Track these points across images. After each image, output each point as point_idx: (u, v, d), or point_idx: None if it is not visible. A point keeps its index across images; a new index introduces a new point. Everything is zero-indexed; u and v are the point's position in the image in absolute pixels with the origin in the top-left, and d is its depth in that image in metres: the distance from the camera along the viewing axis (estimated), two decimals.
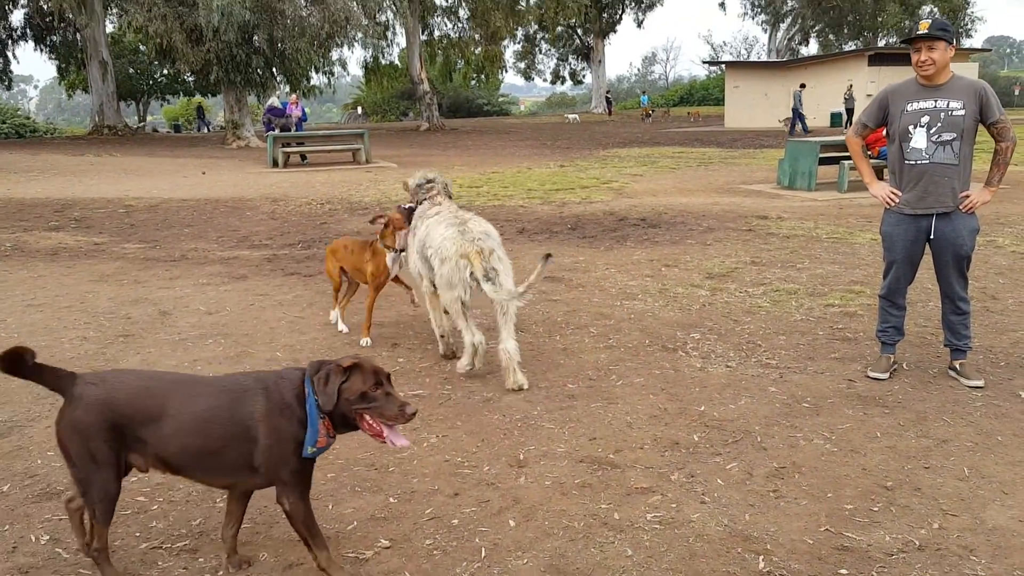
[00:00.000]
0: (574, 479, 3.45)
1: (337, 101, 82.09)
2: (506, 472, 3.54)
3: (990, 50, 72.04)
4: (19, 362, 2.57)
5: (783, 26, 62.68)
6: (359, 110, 62.79)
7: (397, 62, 44.54)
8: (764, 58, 65.28)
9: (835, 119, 33.86)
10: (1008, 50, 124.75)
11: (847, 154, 13.71)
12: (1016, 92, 60.52)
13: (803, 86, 30.70)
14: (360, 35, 29.82)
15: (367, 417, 2.60)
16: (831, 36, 62.99)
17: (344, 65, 48.18)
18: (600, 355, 5.11)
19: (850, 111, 31.41)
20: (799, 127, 29.57)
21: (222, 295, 6.91)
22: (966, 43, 58.72)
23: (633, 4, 54.05)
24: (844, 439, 3.82)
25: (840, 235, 9.10)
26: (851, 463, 3.57)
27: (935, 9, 60.09)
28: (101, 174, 18.48)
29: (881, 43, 56.12)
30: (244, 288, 7.17)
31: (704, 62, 69.58)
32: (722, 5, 64.94)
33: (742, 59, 66.77)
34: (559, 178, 16.11)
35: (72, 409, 2.58)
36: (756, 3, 60.36)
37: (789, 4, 60.49)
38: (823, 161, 13.63)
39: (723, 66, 49.47)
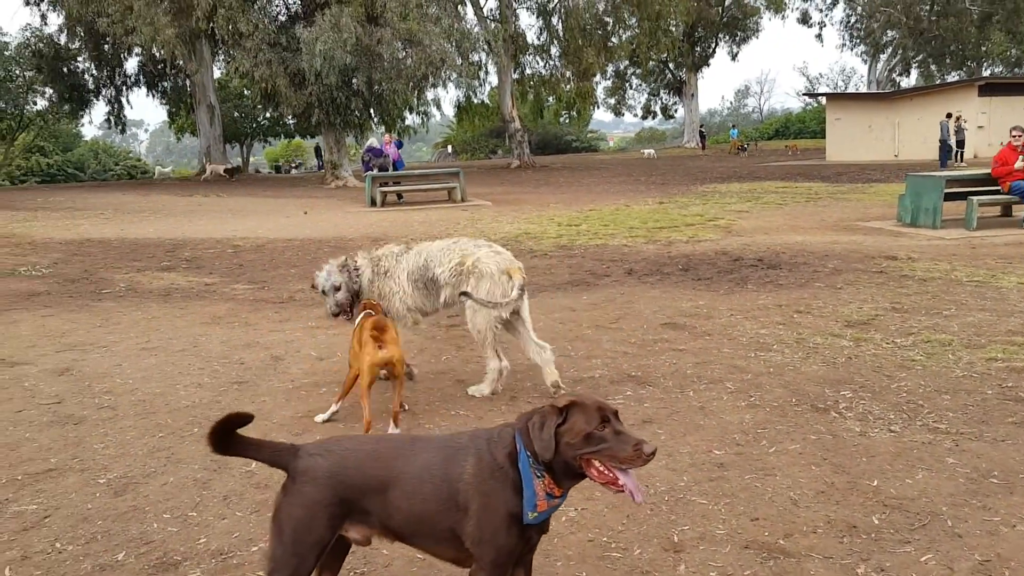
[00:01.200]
0: (743, 570, 3.01)
1: (428, 140, 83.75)
2: (661, 558, 3.13)
3: None
4: (230, 436, 2.40)
5: (883, 57, 60.87)
6: (449, 148, 63.76)
7: (487, 101, 45.02)
8: (862, 89, 63.40)
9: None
10: None
11: (975, 189, 12.86)
12: None
13: (950, 116, 29.30)
14: (454, 75, 30.14)
15: (596, 463, 2.26)
16: (933, 66, 60.79)
17: (438, 105, 49.05)
18: (744, 415, 4.65)
19: (960, 143, 29.91)
20: (953, 156, 28.39)
21: (332, 340, 6.74)
22: None
23: (727, 37, 53.33)
24: None
25: (982, 278, 8.36)
26: None
27: None
28: (209, 214, 18.99)
29: (986, 73, 53.73)
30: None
31: (803, 94, 67.82)
32: (819, 36, 64.03)
33: (840, 91, 64.93)
34: (660, 215, 15.66)
35: (300, 484, 2.37)
36: (855, 34, 58.78)
37: (889, 35, 58.72)
38: (948, 197, 12.79)
39: (823, 98, 48.13)
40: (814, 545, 3.17)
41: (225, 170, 34.78)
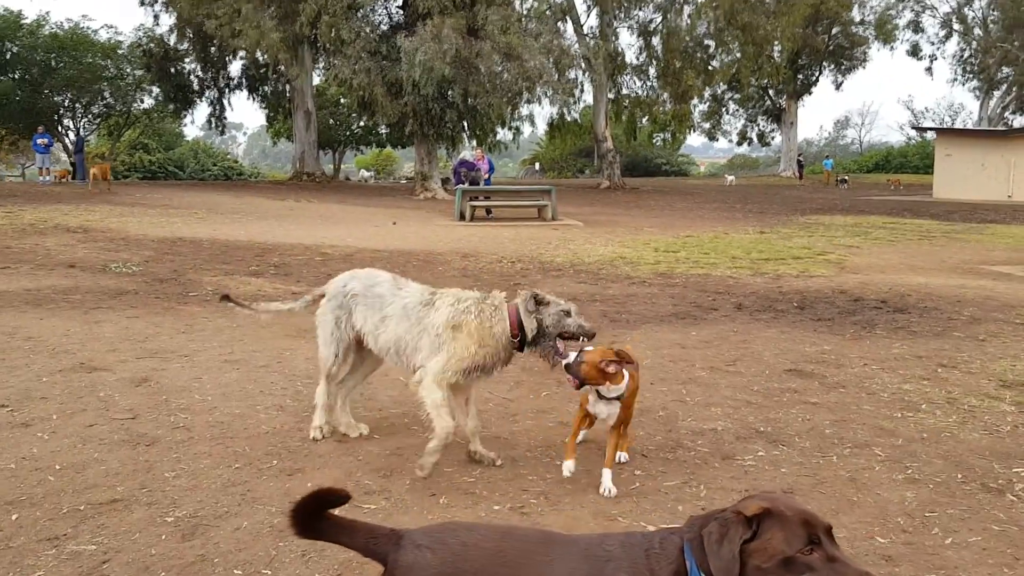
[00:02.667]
0: None
1: (515, 156, 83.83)
2: None
3: None
4: (317, 517, 1.91)
5: (996, 94, 57.93)
6: (536, 166, 63.51)
7: (579, 119, 44.52)
8: (970, 126, 60.43)
9: None
10: None
11: None
12: None
13: None
14: (550, 91, 29.76)
15: None
16: None
17: (532, 121, 48.69)
18: (904, 492, 3.93)
19: None
20: None
21: None
22: None
23: (832, 66, 51.61)
24: None
25: None
26: None
27: None
28: (299, 220, 18.99)
29: None
30: None
31: (913, 127, 65.08)
32: (929, 70, 61.34)
33: (947, 126, 62.13)
34: (764, 246, 14.80)
35: None
36: (968, 69, 56.12)
37: (1004, 71, 55.85)
38: None
39: (930, 133, 45.99)
40: None
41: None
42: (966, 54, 55.55)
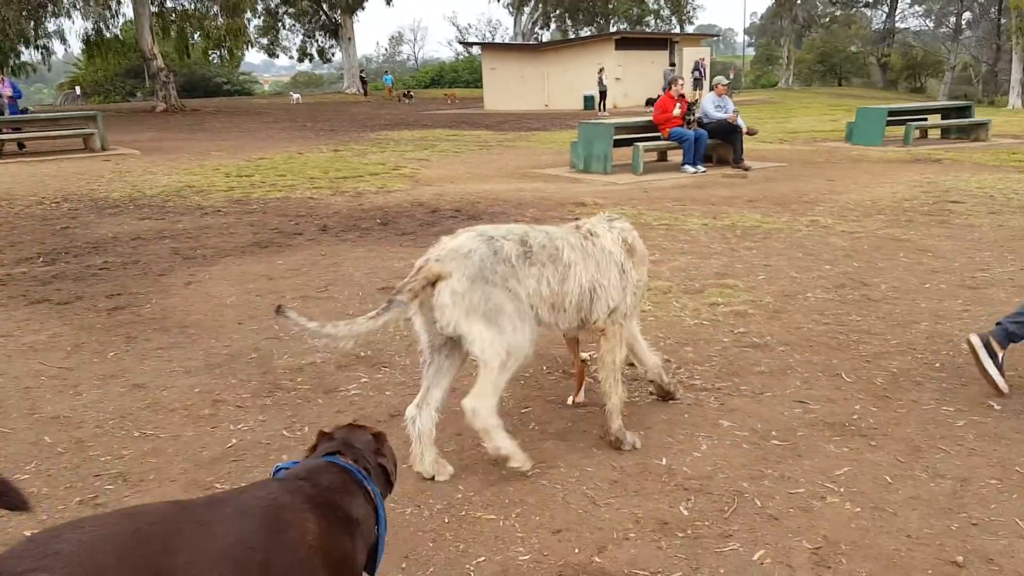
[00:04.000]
0: None
1: (48, 81, 72.85)
2: None
3: (718, 35, 78.65)
4: None
5: (527, 10, 64.31)
6: (77, 90, 55.80)
7: (121, 35, 39.68)
8: (508, 41, 66.54)
9: (587, 101, 34.84)
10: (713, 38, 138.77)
11: (640, 135, 13.65)
12: (731, 76, 66.66)
13: (673, 65, 31.16)
14: (80, 3, 25.91)
15: None
16: (568, 21, 65.67)
17: (63, 38, 42.16)
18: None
19: (603, 93, 32.39)
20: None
21: None
22: (689, 29, 63.84)
23: None
24: (854, 491, 3.08)
25: (668, 221, 8.70)
26: (889, 529, 2.83)
27: None
28: None
29: (612, 29, 59.00)
30: None
31: (461, 43, 69.36)
32: None
33: (490, 41, 67.61)
34: (340, 164, 14.68)
35: None
36: None
37: None
38: (617, 143, 13.41)
39: (476, 48, 49.46)
40: (635, 559, 2.68)
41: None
42: None
